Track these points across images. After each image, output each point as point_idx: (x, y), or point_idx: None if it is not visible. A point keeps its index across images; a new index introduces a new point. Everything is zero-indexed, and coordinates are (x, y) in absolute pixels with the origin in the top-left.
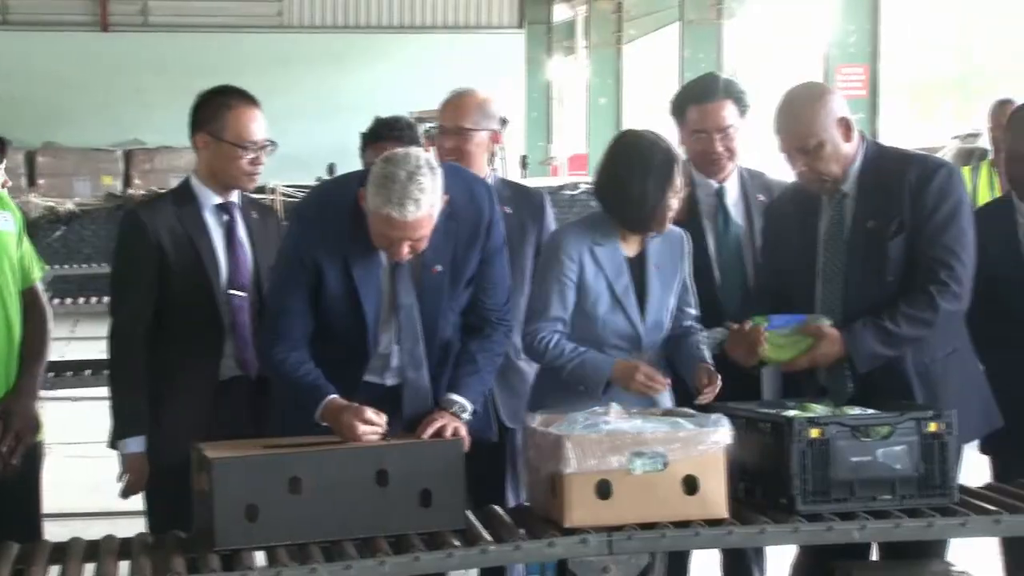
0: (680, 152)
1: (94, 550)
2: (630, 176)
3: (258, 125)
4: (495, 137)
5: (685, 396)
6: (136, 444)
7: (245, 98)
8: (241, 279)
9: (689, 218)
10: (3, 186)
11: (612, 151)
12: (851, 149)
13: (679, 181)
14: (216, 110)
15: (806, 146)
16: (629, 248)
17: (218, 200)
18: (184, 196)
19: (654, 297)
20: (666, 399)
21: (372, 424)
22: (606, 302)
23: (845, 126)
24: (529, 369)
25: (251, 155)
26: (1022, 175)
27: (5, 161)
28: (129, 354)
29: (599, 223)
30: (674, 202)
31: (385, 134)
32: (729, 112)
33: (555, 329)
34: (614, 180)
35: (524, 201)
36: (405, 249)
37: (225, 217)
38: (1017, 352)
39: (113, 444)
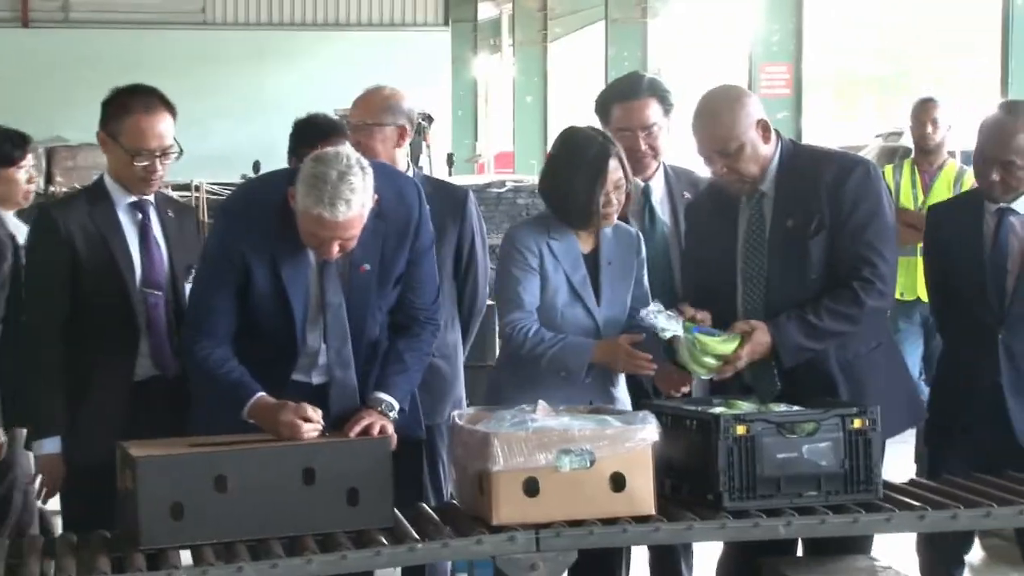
0: (617, 145)
1: (18, 550)
2: (563, 172)
3: (156, 132)
4: (403, 132)
5: (640, 389)
6: (52, 445)
7: (149, 102)
8: (156, 278)
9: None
10: (29, 182)
11: (553, 148)
12: (769, 150)
13: (613, 176)
14: (117, 111)
15: (726, 149)
16: (584, 244)
17: (132, 198)
18: (97, 194)
19: (607, 292)
20: (622, 391)
21: (312, 421)
22: (565, 294)
23: (763, 127)
24: (446, 367)
25: (144, 162)
26: (988, 178)
27: (30, 157)
28: (42, 354)
29: (551, 220)
30: (613, 197)
31: (336, 131)
32: (653, 110)
33: (533, 319)
34: (551, 177)
35: (445, 198)
36: (335, 249)
37: (139, 215)
38: (969, 347)
39: (27, 446)
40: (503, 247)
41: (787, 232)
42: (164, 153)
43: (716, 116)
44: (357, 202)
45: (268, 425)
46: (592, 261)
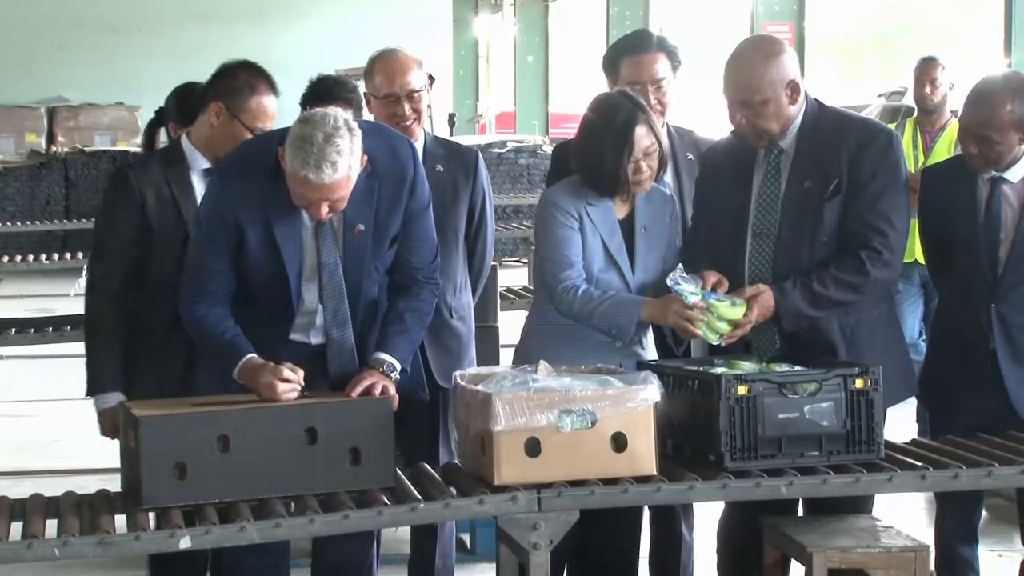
0: (648, 112)
1: (21, 509)
2: (592, 140)
3: (273, 112)
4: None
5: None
6: (113, 399)
7: (268, 83)
8: None
9: None
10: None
11: (584, 115)
12: (794, 111)
13: (643, 143)
14: (240, 87)
15: (750, 101)
16: (618, 209)
17: (206, 165)
18: (173, 157)
19: (641, 258)
20: (652, 352)
21: (290, 382)
22: (600, 261)
23: (793, 88)
24: (463, 328)
25: None
26: (967, 149)
27: None
28: (105, 308)
29: (585, 185)
30: (644, 164)
31: (338, 94)
32: (662, 65)
33: (582, 277)
34: (580, 144)
35: (457, 159)
36: (324, 209)
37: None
38: (963, 314)
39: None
40: (540, 209)
41: (803, 192)
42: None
43: (747, 66)
44: (343, 164)
45: (252, 387)
46: (627, 226)
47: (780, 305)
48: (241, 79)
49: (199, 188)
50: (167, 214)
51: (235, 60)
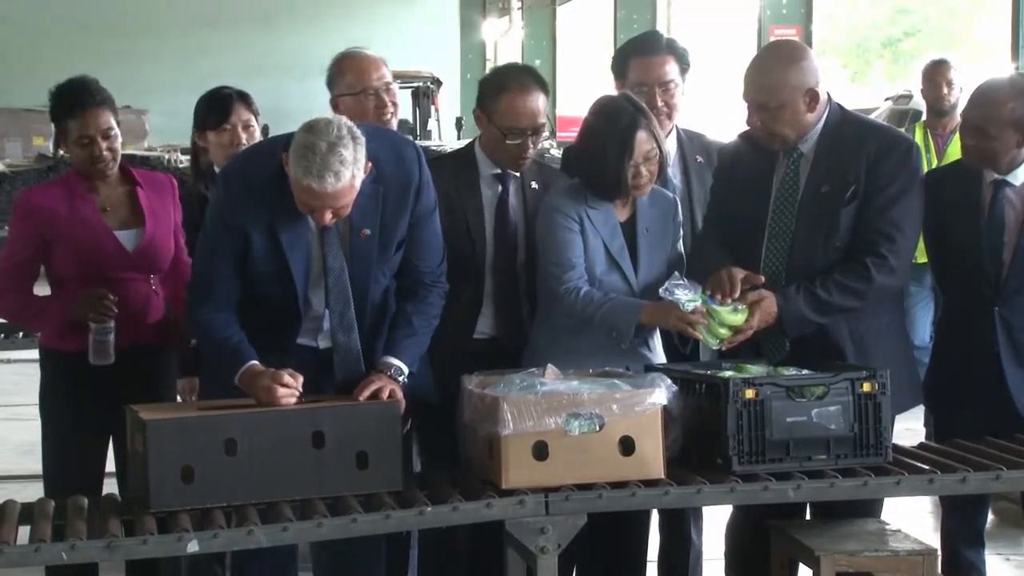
0: (649, 116)
1: (29, 512)
2: (593, 143)
3: (530, 110)
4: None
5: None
6: None
7: (521, 82)
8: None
9: None
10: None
11: (585, 117)
12: (812, 119)
13: (643, 148)
14: (489, 89)
15: (766, 104)
16: (620, 212)
17: (494, 170)
18: (463, 160)
19: (644, 260)
20: (659, 354)
21: (289, 387)
22: (602, 263)
23: (812, 97)
24: None
25: (517, 140)
26: (964, 140)
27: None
28: None
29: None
30: (643, 168)
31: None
32: (671, 68)
33: (584, 280)
34: (581, 147)
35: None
36: (328, 216)
37: (499, 187)
38: (967, 317)
39: None
40: (542, 213)
41: (820, 196)
42: (533, 133)
43: (767, 70)
44: (347, 174)
45: (251, 392)
46: (629, 229)
47: (783, 311)
48: (491, 81)
49: (487, 193)
50: (456, 220)
51: (501, 65)
